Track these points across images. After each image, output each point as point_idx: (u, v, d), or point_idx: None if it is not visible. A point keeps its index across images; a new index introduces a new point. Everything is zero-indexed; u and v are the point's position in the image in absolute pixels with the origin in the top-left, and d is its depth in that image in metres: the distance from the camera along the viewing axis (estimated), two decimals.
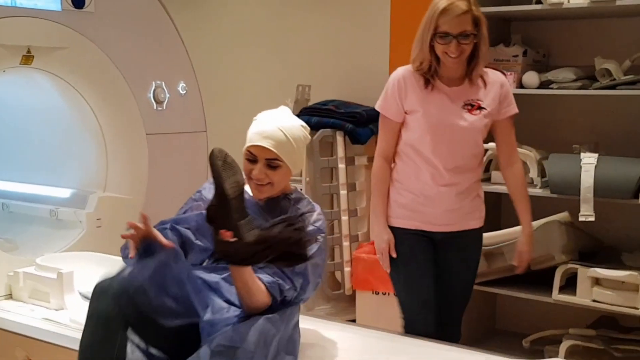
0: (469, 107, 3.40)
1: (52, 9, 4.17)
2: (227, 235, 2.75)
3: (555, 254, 4.11)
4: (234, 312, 2.91)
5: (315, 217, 3.13)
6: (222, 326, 2.81)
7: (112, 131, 4.56)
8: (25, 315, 3.88)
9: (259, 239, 2.77)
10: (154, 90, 4.66)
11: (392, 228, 3.53)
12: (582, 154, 4.09)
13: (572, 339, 4.16)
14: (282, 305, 3.00)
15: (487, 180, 4.38)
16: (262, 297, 2.93)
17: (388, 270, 3.62)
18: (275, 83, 5.66)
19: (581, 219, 4.05)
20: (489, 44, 3.40)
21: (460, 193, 3.46)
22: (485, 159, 3.87)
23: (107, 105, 4.51)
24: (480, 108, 3.40)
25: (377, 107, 3.54)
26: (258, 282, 2.92)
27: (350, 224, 4.97)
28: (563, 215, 4.21)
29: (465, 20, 3.25)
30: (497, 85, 3.45)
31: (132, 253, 2.88)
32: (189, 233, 3.09)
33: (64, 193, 4.70)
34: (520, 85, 4.36)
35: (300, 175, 4.88)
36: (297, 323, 3.15)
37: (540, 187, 4.25)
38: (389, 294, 4.53)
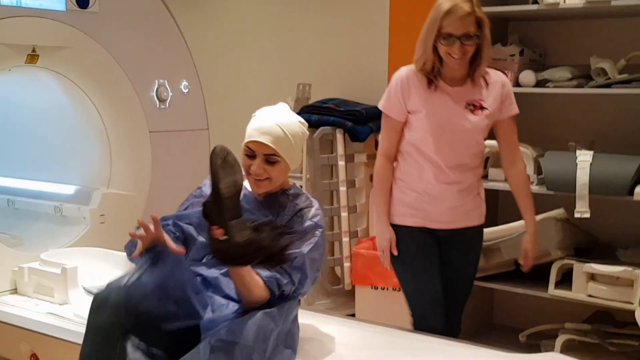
0: (472, 108, 3.38)
1: (57, 9, 4.17)
2: (218, 233, 2.75)
3: (552, 249, 4.10)
4: (233, 307, 2.90)
5: (314, 212, 3.13)
6: (222, 322, 2.80)
7: (115, 129, 4.56)
8: (30, 310, 3.90)
9: (248, 241, 2.76)
10: (157, 89, 4.67)
11: (396, 226, 3.51)
12: (578, 152, 4.08)
13: (567, 334, 4.15)
14: (280, 299, 3.00)
15: (485, 177, 4.35)
16: (260, 291, 2.92)
17: (389, 268, 3.61)
18: (276, 82, 5.65)
19: (577, 215, 4.04)
20: (491, 45, 3.38)
21: (462, 191, 3.45)
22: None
23: (111, 103, 4.51)
24: (482, 108, 3.39)
25: (380, 107, 3.51)
26: (256, 277, 2.91)
27: (349, 220, 4.96)
28: (559, 212, 4.20)
29: (468, 21, 3.23)
30: (498, 86, 3.43)
31: (137, 252, 2.88)
32: (190, 229, 3.09)
33: (68, 190, 4.71)
34: (517, 84, 4.34)
35: (301, 172, 4.89)
36: (295, 317, 3.14)
37: (537, 184, 4.23)
38: (387, 289, 4.54)
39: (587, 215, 4.02)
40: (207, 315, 2.83)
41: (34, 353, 3.73)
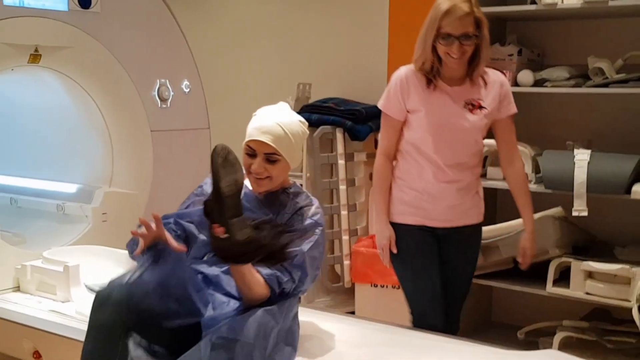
0: (470, 107, 3.37)
1: (60, 9, 4.17)
2: (219, 232, 2.74)
3: (550, 248, 4.10)
4: (234, 304, 2.90)
5: (314, 211, 3.13)
6: (223, 320, 2.80)
7: (117, 128, 4.56)
8: (33, 308, 3.89)
9: (248, 240, 2.76)
10: (159, 89, 4.66)
11: (396, 224, 3.50)
12: (576, 151, 4.08)
13: (565, 331, 4.14)
14: (280, 297, 2.99)
15: (483, 176, 4.36)
16: (260, 289, 2.92)
17: (388, 266, 3.60)
18: (276, 81, 5.65)
19: (574, 214, 4.04)
20: (490, 44, 3.38)
21: (461, 189, 3.44)
22: None
23: (113, 102, 4.51)
24: (481, 107, 3.38)
25: (379, 106, 3.50)
26: (256, 275, 2.91)
27: (349, 218, 4.95)
28: (557, 210, 4.20)
29: (467, 21, 3.21)
30: (497, 85, 3.42)
31: (138, 250, 2.87)
32: (192, 227, 3.09)
33: (71, 188, 4.70)
34: (515, 83, 4.33)
35: (301, 171, 4.88)
36: (296, 314, 3.14)
37: (535, 183, 4.23)
38: (387, 286, 4.53)
39: (585, 213, 4.01)
40: (208, 312, 2.82)
41: (36, 350, 3.73)
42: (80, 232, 4.46)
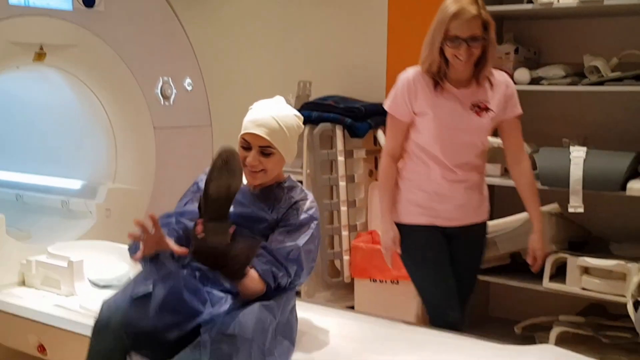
0: (477, 109, 3.32)
1: (64, 8, 4.18)
2: (198, 230, 2.74)
3: (546, 243, 4.08)
4: (232, 300, 2.88)
5: (308, 205, 3.12)
6: (221, 315, 2.78)
7: (121, 125, 4.56)
8: (37, 302, 3.90)
9: (216, 246, 2.74)
10: (161, 86, 4.67)
11: (407, 225, 3.45)
12: (572, 148, 4.05)
13: (562, 326, 4.13)
14: (277, 291, 2.98)
15: None
16: (255, 284, 2.92)
17: (391, 266, 3.57)
18: (277, 79, 5.63)
19: (570, 210, 4.01)
20: (496, 46, 3.34)
21: (469, 188, 3.41)
22: None
23: (117, 100, 4.51)
24: (487, 109, 3.33)
25: (385, 107, 3.46)
26: (250, 271, 2.90)
27: (349, 214, 4.93)
28: (553, 207, 4.18)
29: (475, 24, 3.17)
30: (503, 86, 3.38)
31: (138, 255, 2.86)
32: (192, 225, 3.06)
33: (75, 184, 4.71)
34: (512, 81, 4.31)
35: (301, 168, 4.87)
36: (293, 307, 3.14)
37: None
38: (386, 281, 4.51)
39: (581, 210, 3.99)
40: (207, 309, 2.80)
41: (41, 344, 3.72)
42: (85, 227, 4.47)
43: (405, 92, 3.36)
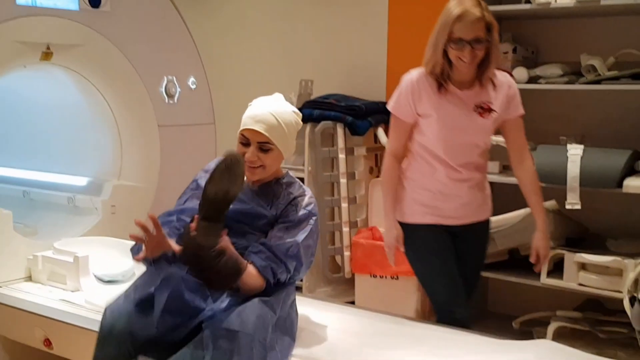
0: (480, 110, 3.29)
1: (71, 9, 4.17)
2: (192, 227, 2.73)
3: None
4: (232, 295, 2.87)
5: (307, 201, 3.10)
6: (222, 311, 2.77)
7: (126, 123, 4.55)
8: (44, 297, 3.88)
9: (202, 247, 2.72)
10: (166, 85, 4.65)
11: (413, 225, 3.43)
12: (569, 146, 4.04)
13: (559, 321, 4.12)
14: (276, 286, 2.97)
15: None
16: (254, 280, 2.90)
17: (393, 265, 3.55)
18: (279, 78, 5.61)
19: (568, 207, 4.00)
20: (499, 48, 3.31)
21: (472, 187, 3.39)
22: None
23: (122, 98, 4.50)
24: (490, 110, 3.30)
25: (389, 108, 3.42)
26: (250, 267, 2.89)
27: (349, 210, 4.92)
28: (551, 204, 4.16)
29: (478, 26, 3.13)
30: (505, 87, 3.35)
31: (140, 256, 2.86)
32: None
33: (81, 181, 4.69)
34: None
35: (303, 165, 4.86)
36: (293, 302, 3.13)
37: None
38: (386, 277, 4.51)
39: (578, 206, 3.98)
40: (209, 305, 2.79)
41: (47, 338, 3.71)
42: (90, 223, 4.46)
43: (409, 93, 3.33)
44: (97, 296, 3.73)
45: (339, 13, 5.43)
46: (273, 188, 3.10)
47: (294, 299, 3.15)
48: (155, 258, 2.85)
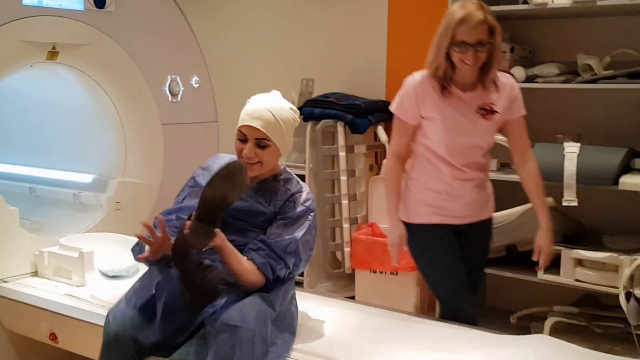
0: (483, 112, 3.27)
1: (76, 9, 4.17)
2: (186, 224, 2.71)
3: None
4: (233, 292, 2.86)
5: (305, 197, 3.09)
6: (223, 307, 2.76)
7: (130, 121, 4.54)
8: (49, 292, 3.89)
9: (190, 246, 2.72)
10: (169, 84, 4.66)
11: (418, 225, 3.41)
12: (566, 144, 4.03)
13: (556, 316, 4.10)
14: (276, 282, 2.96)
15: None
16: (253, 276, 2.90)
17: (397, 264, 3.53)
18: (281, 77, 5.60)
19: (564, 204, 3.98)
20: (502, 50, 3.28)
21: (477, 186, 3.38)
22: None
23: (126, 97, 4.49)
24: (493, 112, 3.28)
25: (392, 110, 3.39)
26: (245, 264, 2.88)
27: (350, 207, 4.91)
28: (548, 201, 4.13)
29: (481, 29, 3.11)
30: (508, 88, 3.32)
31: (145, 256, 2.86)
32: None
33: (86, 178, 4.69)
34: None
35: (304, 162, 4.86)
36: (293, 296, 3.13)
37: None
38: (385, 273, 4.50)
39: (575, 203, 3.96)
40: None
41: (53, 332, 3.71)
42: (95, 220, 4.45)
43: (412, 96, 3.30)
44: (101, 291, 3.74)
45: (340, 13, 5.43)
46: (271, 185, 3.09)
47: (294, 294, 3.14)
48: (155, 259, 2.84)
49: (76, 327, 3.56)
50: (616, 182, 3.87)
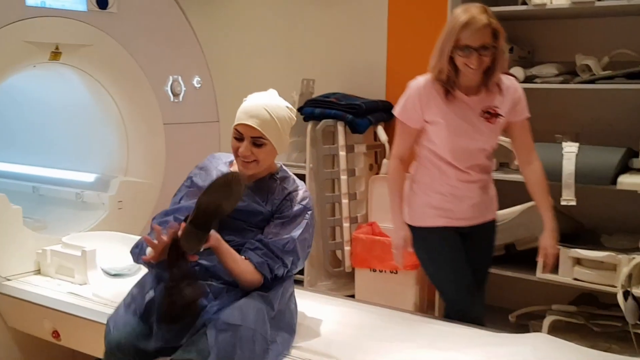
0: (487, 116, 3.24)
1: (79, 10, 4.17)
2: (181, 226, 2.71)
3: (539, 235, 4.03)
4: (232, 291, 2.86)
5: (302, 196, 3.07)
6: (223, 307, 2.76)
7: (132, 121, 4.55)
8: (52, 290, 3.89)
9: (177, 248, 2.71)
10: (171, 84, 4.66)
11: (424, 228, 3.38)
12: (564, 144, 4.02)
13: (554, 315, 4.09)
14: (274, 280, 2.96)
15: None
16: (251, 276, 2.89)
17: (400, 266, 3.51)
18: (282, 77, 5.59)
19: (563, 203, 3.98)
20: (505, 54, 3.26)
21: (481, 188, 3.36)
22: None
23: (128, 97, 4.50)
24: (497, 115, 3.25)
25: (395, 114, 3.36)
26: (243, 264, 2.88)
27: (350, 206, 4.90)
28: None
29: (485, 33, 3.07)
30: (511, 90, 3.29)
31: (149, 257, 2.84)
32: None
33: (89, 177, 4.69)
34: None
35: (304, 162, 4.86)
36: (292, 294, 3.12)
37: None
38: (385, 271, 4.50)
39: (573, 203, 3.96)
40: (210, 302, 2.78)
41: (55, 330, 3.70)
42: (98, 218, 4.46)
43: (416, 100, 3.27)
44: (104, 289, 3.74)
45: (340, 14, 5.42)
46: (268, 183, 3.07)
47: (292, 292, 3.13)
48: (156, 262, 2.83)
49: (78, 324, 3.55)
50: (614, 182, 3.86)
